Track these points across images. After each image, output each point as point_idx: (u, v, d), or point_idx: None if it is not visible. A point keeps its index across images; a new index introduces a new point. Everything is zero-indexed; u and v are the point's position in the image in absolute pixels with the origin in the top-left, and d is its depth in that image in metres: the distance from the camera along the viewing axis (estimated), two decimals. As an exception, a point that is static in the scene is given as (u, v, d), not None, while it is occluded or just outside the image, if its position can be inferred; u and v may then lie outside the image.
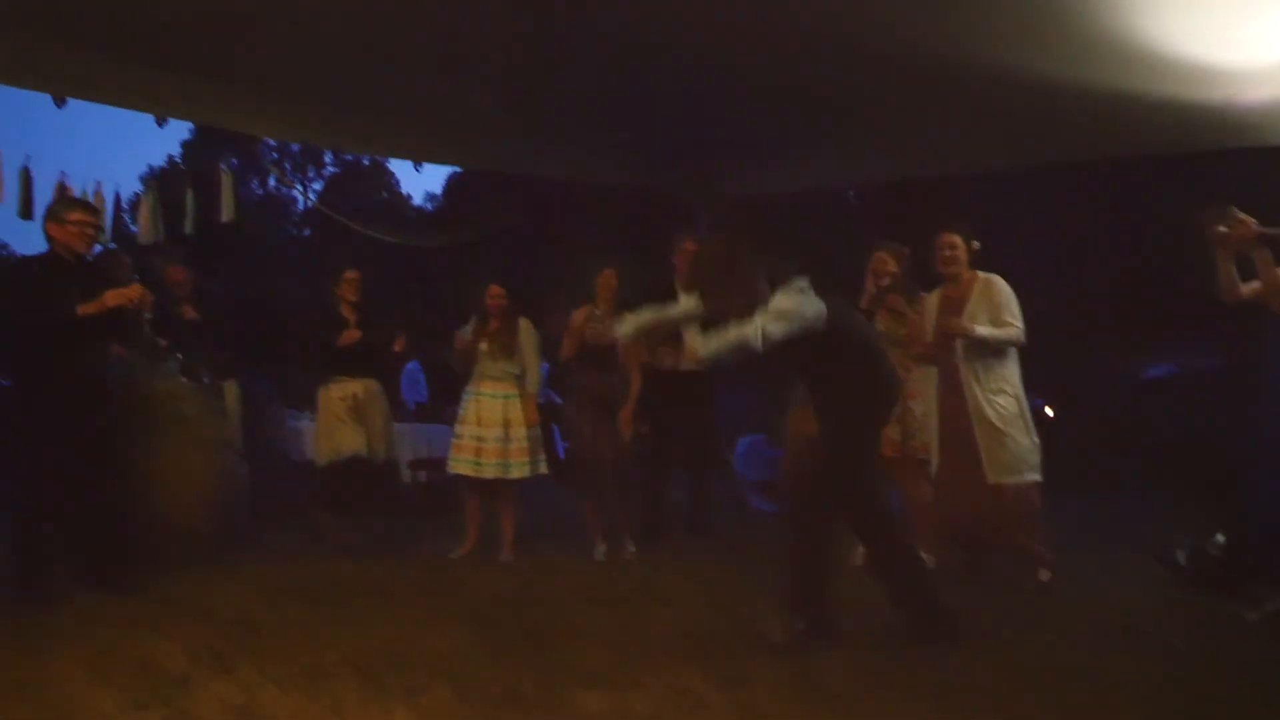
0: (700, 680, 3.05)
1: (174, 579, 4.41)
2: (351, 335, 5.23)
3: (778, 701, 2.89)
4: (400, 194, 35.48)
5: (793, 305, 3.36)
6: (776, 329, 3.32)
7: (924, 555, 4.89)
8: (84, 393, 4.18)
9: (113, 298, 4.07)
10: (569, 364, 5.40)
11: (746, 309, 3.42)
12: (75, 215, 4.22)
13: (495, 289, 5.28)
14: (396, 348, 5.40)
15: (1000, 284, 4.55)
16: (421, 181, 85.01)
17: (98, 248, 4.68)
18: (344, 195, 29.72)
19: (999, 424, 4.42)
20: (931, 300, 4.72)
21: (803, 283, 3.45)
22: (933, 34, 4.60)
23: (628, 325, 3.98)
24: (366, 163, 35.07)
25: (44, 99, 5.33)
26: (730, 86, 5.70)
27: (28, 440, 4.17)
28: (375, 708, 2.79)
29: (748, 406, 8.78)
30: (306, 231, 32.71)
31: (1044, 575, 4.44)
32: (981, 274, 4.61)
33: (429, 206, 32.77)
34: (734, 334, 3.39)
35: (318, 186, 33.09)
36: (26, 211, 5.38)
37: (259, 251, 26.15)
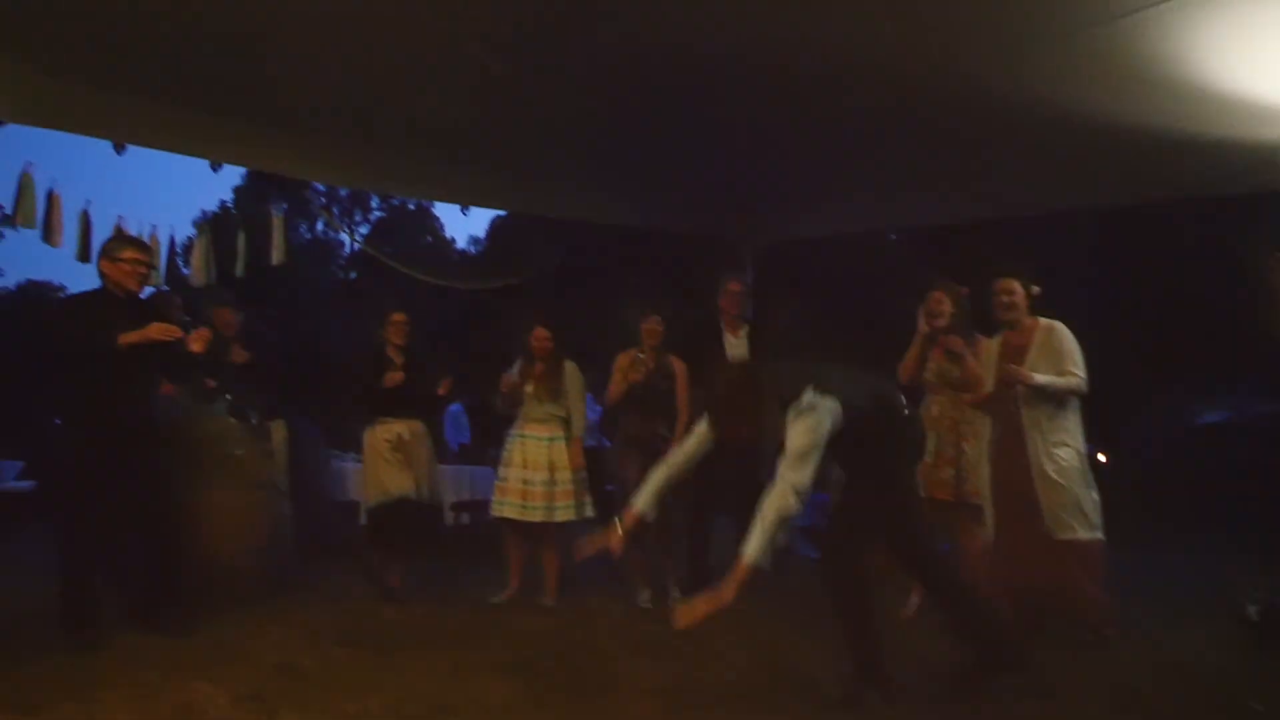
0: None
1: (218, 621, 4.40)
2: (396, 377, 5.23)
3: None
4: (444, 238, 36.04)
5: (809, 441, 3.21)
6: (804, 474, 3.18)
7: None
8: (132, 431, 4.20)
9: (156, 330, 4.08)
10: (615, 408, 5.37)
11: (755, 435, 3.44)
12: (128, 253, 4.28)
13: (541, 331, 5.27)
14: (441, 390, 5.39)
15: (1063, 332, 4.42)
16: (465, 225, 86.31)
17: (149, 289, 4.74)
18: (389, 239, 30.25)
19: (1059, 477, 4.28)
20: (992, 346, 4.61)
21: (811, 397, 3.28)
22: (993, 75, 4.56)
23: (645, 500, 3.56)
24: (412, 207, 35.72)
25: (104, 145, 5.44)
26: (778, 131, 5.70)
27: (76, 478, 4.19)
28: (419, 759, 2.73)
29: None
30: (353, 275, 33.27)
31: (1107, 630, 4.27)
32: (1044, 320, 4.49)
33: (473, 250, 33.21)
34: (772, 518, 3.20)
35: (364, 230, 33.70)
36: (84, 255, 5.48)
37: (306, 295, 26.63)
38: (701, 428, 3.49)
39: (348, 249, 34.91)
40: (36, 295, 24.98)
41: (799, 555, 7.11)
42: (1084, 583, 4.25)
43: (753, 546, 3.13)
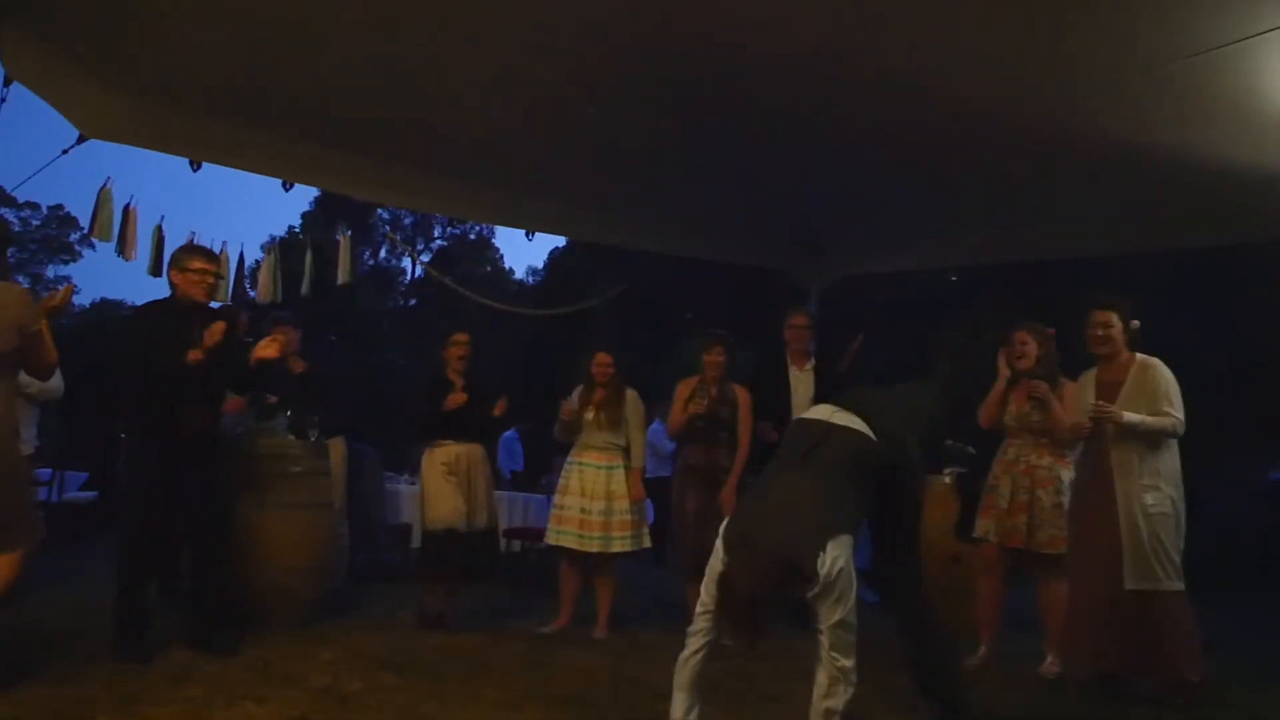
0: (817, 788, 2.78)
1: (268, 642, 4.34)
2: (459, 399, 5.16)
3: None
4: (503, 268, 36.48)
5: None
6: None
7: (1051, 660, 4.55)
8: (196, 443, 4.18)
9: (210, 335, 4.02)
10: (675, 438, 5.27)
11: None
12: (196, 263, 4.27)
13: (603, 357, 5.19)
14: (497, 411, 5.32)
15: (1160, 368, 4.21)
16: (524, 257, 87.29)
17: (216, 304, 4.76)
18: (450, 267, 30.60)
19: (1146, 523, 4.06)
20: (1086, 382, 4.41)
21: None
22: (1070, 112, 4.45)
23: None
24: (473, 237, 36.25)
25: (180, 163, 5.53)
26: (849, 167, 5.63)
27: (137, 488, 4.19)
28: (468, 794, 2.62)
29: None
30: (413, 302, 33.77)
31: (1199, 689, 4.01)
32: (1140, 356, 4.28)
33: (530, 280, 33.52)
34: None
35: (425, 259, 34.21)
36: (157, 269, 5.57)
37: (366, 321, 27.05)
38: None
39: (409, 277, 35.50)
40: (109, 312, 25.71)
41: (860, 600, 6.91)
42: (1169, 636, 4.01)
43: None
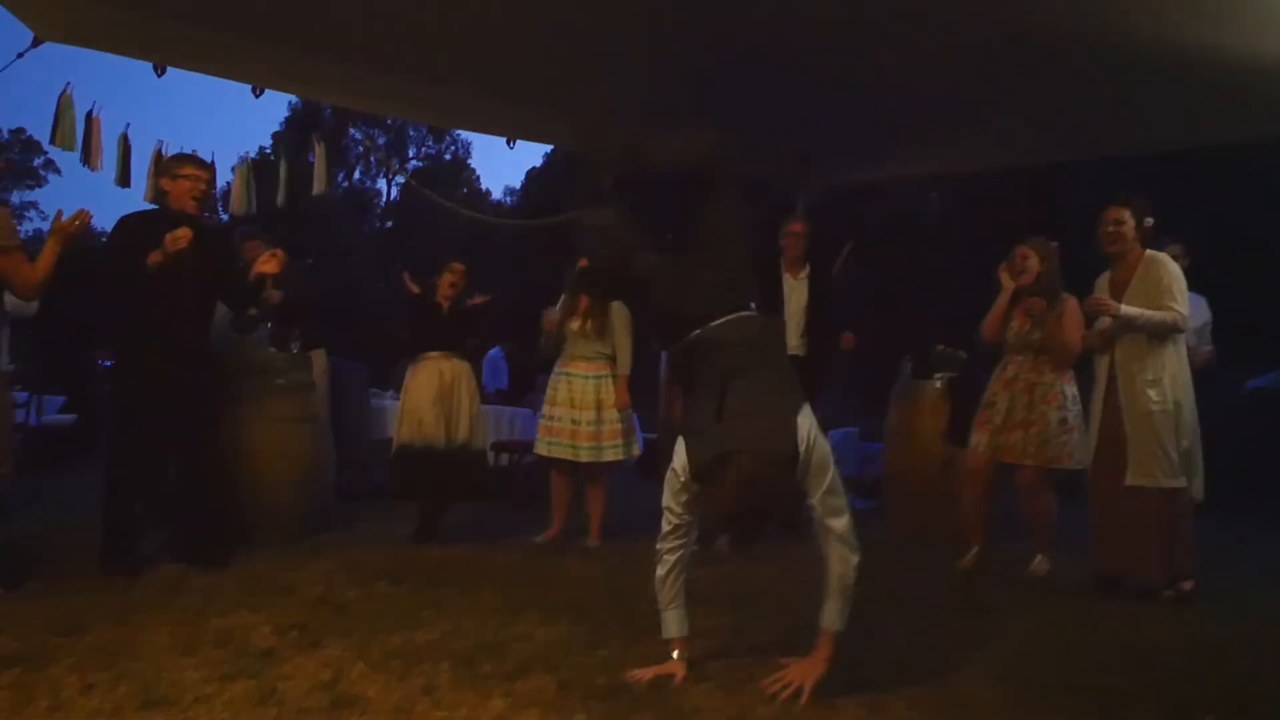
0: (820, 682, 2.78)
1: (258, 556, 4.30)
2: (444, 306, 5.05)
3: (911, 709, 2.61)
4: (479, 189, 35.93)
5: None
6: None
7: (1041, 559, 4.60)
8: (184, 355, 4.09)
9: (173, 240, 3.89)
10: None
11: None
12: (187, 170, 4.14)
13: (584, 263, 5.07)
14: (477, 300, 5.19)
15: (1165, 262, 4.16)
16: (501, 176, 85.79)
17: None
18: (427, 188, 30.11)
19: (1147, 420, 4.05)
20: (1100, 284, 4.34)
21: None
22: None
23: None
24: (449, 158, 35.56)
25: (144, 68, 5.27)
26: (839, 73, 5.45)
27: (124, 401, 4.09)
28: (470, 692, 2.59)
29: (839, 399, 8.46)
30: (389, 224, 33.28)
31: (1187, 586, 4.06)
32: (1149, 252, 4.23)
33: (508, 201, 33.08)
34: None
35: (400, 181, 33.62)
36: (124, 179, 5.34)
37: (344, 243, 26.63)
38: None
39: (384, 199, 34.93)
40: (88, 240, 25.18)
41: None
42: (1165, 533, 4.03)
43: None
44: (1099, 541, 4.23)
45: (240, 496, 4.56)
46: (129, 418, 4.07)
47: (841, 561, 2.73)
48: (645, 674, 2.78)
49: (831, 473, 2.73)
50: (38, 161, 36.72)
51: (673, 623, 2.89)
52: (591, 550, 4.90)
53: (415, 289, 5.14)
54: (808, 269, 5.58)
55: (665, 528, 2.86)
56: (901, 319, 10.98)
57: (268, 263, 4.24)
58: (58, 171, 35.77)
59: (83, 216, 3.69)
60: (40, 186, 35.01)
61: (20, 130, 36.51)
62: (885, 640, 3.32)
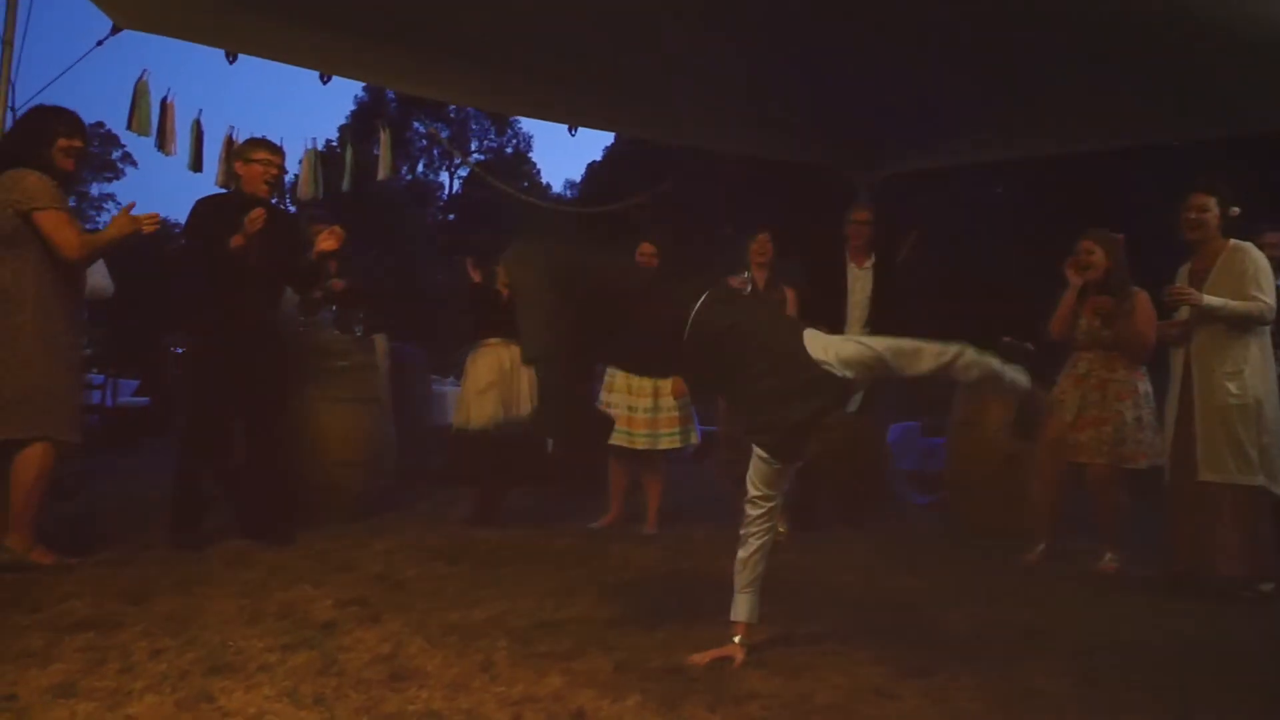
0: (880, 670, 2.73)
1: (320, 533, 4.38)
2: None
3: (974, 699, 2.54)
4: (540, 182, 36.17)
5: None
6: None
7: (1110, 557, 4.46)
8: (254, 335, 4.16)
9: (250, 222, 3.97)
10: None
11: None
12: (260, 154, 4.22)
13: (646, 246, 5.05)
14: None
15: (1249, 251, 4.00)
16: (562, 169, 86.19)
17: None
18: (486, 182, 30.39)
19: (1221, 413, 3.90)
20: (1181, 275, 4.20)
21: None
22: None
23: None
24: (510, 151, 35.87)
25: (216, 55, 5.39)
26: (905, 59, 5.37)
27: (193, 383, 4.19)
28: (527, 669, 2.59)
29: (900, 391, 8.29)
30: (451, 216, 33.68)
31: (1266, 586, 3.90)
32: (1233, 241, 4.07)
33: (568, 194, 33.20)
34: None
35: (462, 174, 33.99)
36: (197, 164, 5.49)
37: (406, 234, 27.02)
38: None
39: (446, 192, 35.35)
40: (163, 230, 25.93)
41: (909, 501, 6.86)
42: (1240, 532, 3.89)
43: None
44: (1173, 539, 4.09)
45: (305, 475, 4.64)
46: (200, 396, 4.17)
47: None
48: (704, 658, 2.76)
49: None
50: (116, 154, 37.87)
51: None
52: (649, 537, 4.88)
53: (477, 276, 5.18)
54: (873, 258, 5.48)
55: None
56: (966, 310, 10.76)
57: (328, 240, 4.29)
58: (134, 164, 36.80)
59: (154, 219, 3.76)
60: (118, 179, 35.99)
61: (99, 124, 37.67)
62: (948, 632, 3.24)
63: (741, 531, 2.85)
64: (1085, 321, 4.54)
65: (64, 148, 3.69)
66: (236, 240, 3.97)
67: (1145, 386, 4.47)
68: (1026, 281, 4.87)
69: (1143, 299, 4.41)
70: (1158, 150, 8.79)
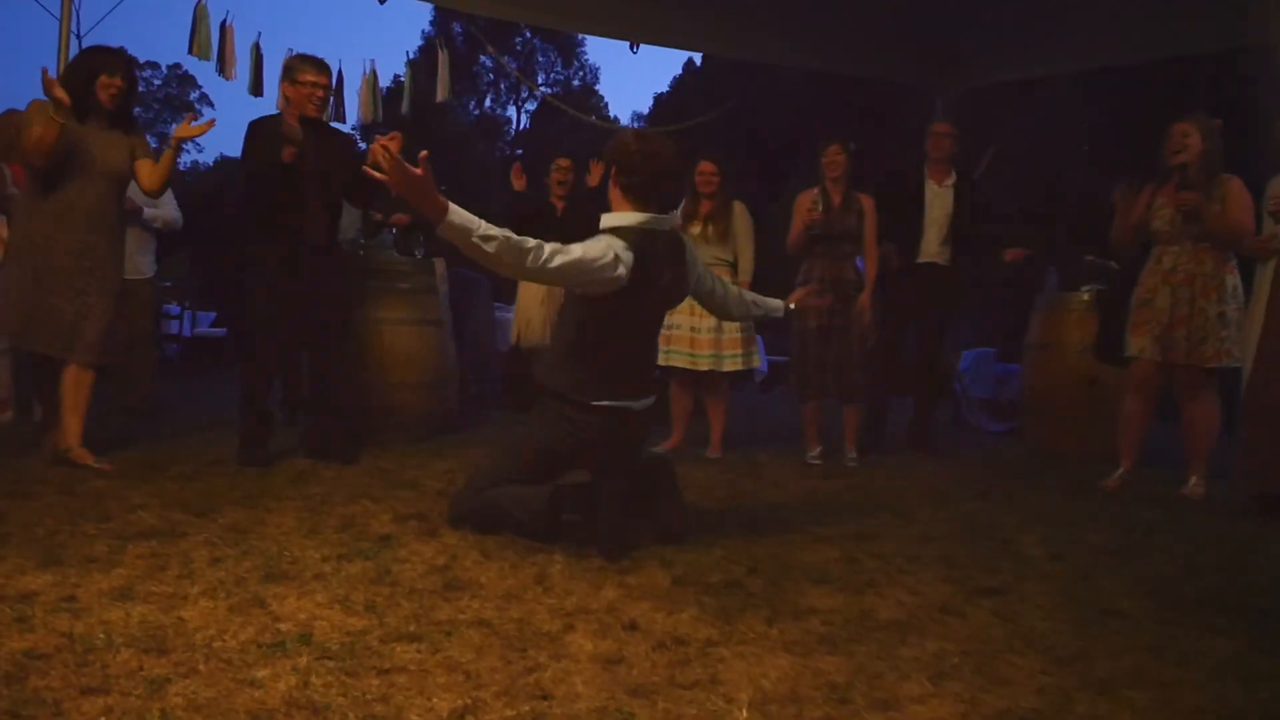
0: (948, 589, 2.62)
1: (385, 454, 4.40)
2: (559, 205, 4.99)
3: (1046, 618, 2.42)
4: (607, 115, 35.79)
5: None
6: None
7: (1196, 481, 4.24)
8: (314, 255, 4.14)
9: (287, 130, 3.95)
10: (795, 254, 4.89)
11: None
12: (309, 75, 4.13)
13: (707, 165, 4.87)
14: (592, 181, 5.15)
15: None
16: (628, 102, 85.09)
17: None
18: (553, 116, 30.15)
19: None
20: (1273, 187, 3.91)
21: None
22: None
23: None
24: (577, 83, 35.50)
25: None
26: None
27: (254, 303, 4.17)
28: (583, 583, 2.55)
29: (975, 316, 8.04)
30: (519, 152, 33.58)
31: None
32: None
33: (636, 125, 32.78)
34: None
35: (529, 109, 33.77)
36: (257, 88, 5.47)
37: (474, 170, 27.04)
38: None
39: (514, 127, 35.21)
40: (231, 169, 26.39)
41: (983, 429, 6.66)
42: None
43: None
44: (1257, 459, 3.84)
45: (368, 396, 4.67)
46: (262, 316, 4.17)
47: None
48: None
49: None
50: (194, 95, 38.55)
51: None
52: (713, 460, 4.81)
53: (520, 183, 5.06)
54: (953, 176, 5.21)
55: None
56: (1046, 229, 10.30)
57: (391, 141, 4.19)
58: (212, 105, 37.40)
59: (207, 124, 3.98)
60: (197, 120, 36.65)
61: (177, 65, 38.32)
62: (1022, 553, 3.11)
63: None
64: (1169, 211, 4.25)
65: (104, 84, 3.86)
66: (288, 152, 3.93)
67: (1234, 280, 4.19)
68: (1111, 196, 4.54)
69: (1236, 185, 4.11)
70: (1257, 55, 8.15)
